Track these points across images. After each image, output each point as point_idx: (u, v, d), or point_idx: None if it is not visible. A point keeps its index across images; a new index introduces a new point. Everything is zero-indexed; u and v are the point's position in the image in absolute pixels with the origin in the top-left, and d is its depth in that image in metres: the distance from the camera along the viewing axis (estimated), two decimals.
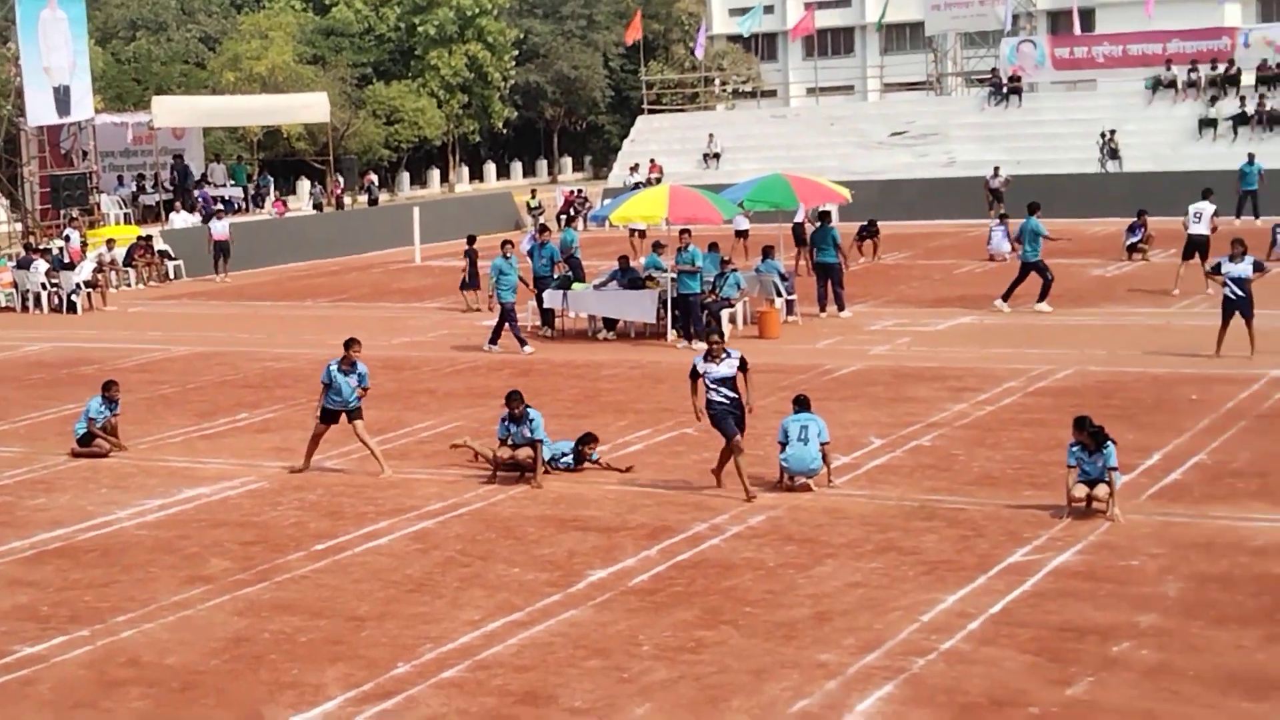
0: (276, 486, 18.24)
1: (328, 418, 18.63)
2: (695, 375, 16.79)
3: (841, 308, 29.95)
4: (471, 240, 34.71)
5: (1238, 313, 23.23)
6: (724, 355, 16.76)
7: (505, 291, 27.20)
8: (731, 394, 16.68)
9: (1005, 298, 29.63)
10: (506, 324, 27.37)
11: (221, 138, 66.89)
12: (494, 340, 27.59)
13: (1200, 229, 31.17)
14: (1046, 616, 12.50)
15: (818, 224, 30.49)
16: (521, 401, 17.63)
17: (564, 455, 18.22)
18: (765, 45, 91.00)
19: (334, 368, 18.53)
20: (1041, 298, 29.37)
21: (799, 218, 37.49)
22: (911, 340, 26.87)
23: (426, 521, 16.35)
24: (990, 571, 13.75)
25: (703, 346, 26.70)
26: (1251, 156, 44.04)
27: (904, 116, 57.66)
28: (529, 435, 17.59)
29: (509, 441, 17.76)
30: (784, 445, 16.74)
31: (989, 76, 58.17)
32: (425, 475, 18.44)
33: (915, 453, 18.48)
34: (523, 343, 27.35)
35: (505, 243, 28.20)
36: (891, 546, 14.67)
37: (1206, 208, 31.48)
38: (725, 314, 28.06)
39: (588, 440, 18.28)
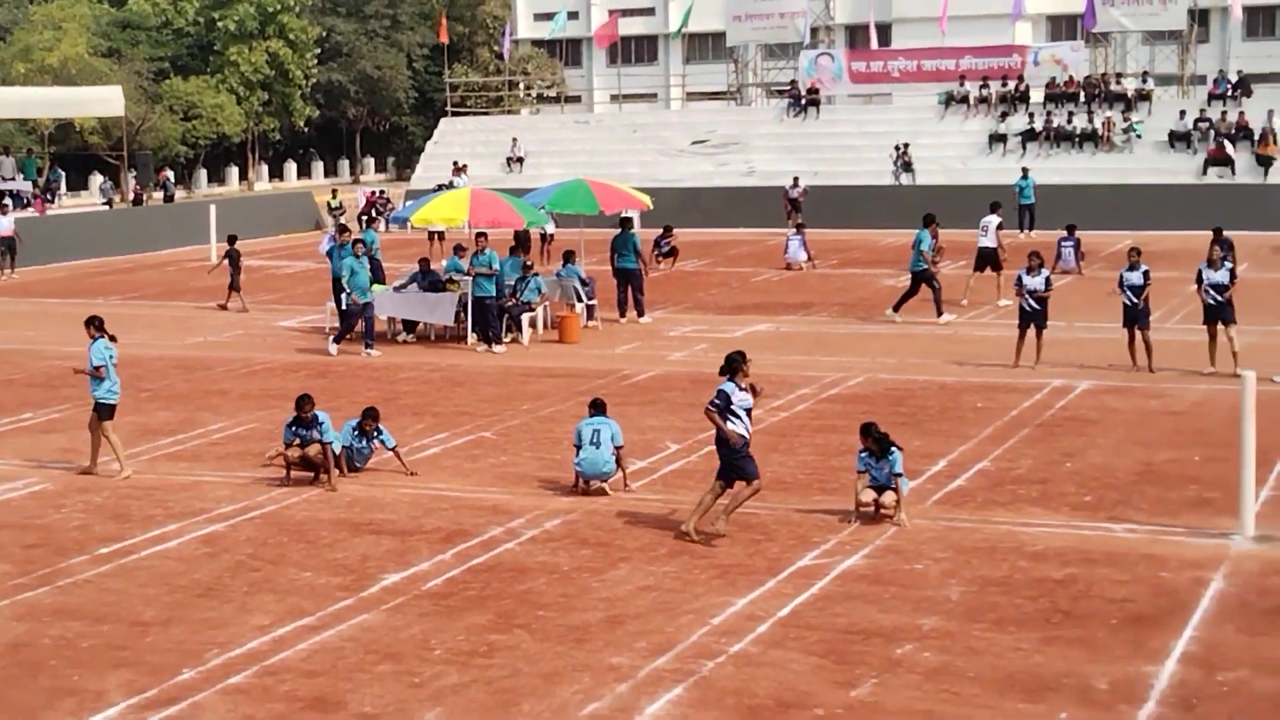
0: (61, 488, 17.80)
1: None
2: (727, 402, 15.05)
3: (641, 313, 30.18)
4: (232, 240, 34.41)
5: (1032, 324, 23.89)
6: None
7: (358, 291, 26.88)
8: (749, 427, 15.30)
9: (896, 308, 29.55)
10: (353, 320, 27.12)
11: (11, 130, 65.05)
12: (369, 344, 27.09)
13: (988, 241, 32.07)
14: (833, 619, 12.74)
15: (619, 229, 30.67)
16: (311, 405, 17.45)
17: (354, 433, 17.99)
18: (570, 51, 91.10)
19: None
20: (939, 311, 29.11)
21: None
22: (709, 346, 27.14)
23: (216, 525, 16.09)
24: (780, 575, 13.97)
25: (502, 349, 26.84)
26: (1025, 171, 45.40)
27: (705, 125, 58.23)
28: (318, 438, 17.43)
29: (296, 444, 17.57)
30: (578, 449, 16.82)
31: (788, 88, 59.02)
32: (216, 478, 18.14)
33: (710, 458, 18.52)
34: (336, 342, 27.14)
35: (357, 241, 27.75)
36: (684, 550, 14.82)
37: (993, 220, 32.42)
38: (526, 318, 28.08)
39: (367, 415, 18.04)
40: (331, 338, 27.37)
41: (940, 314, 28.97)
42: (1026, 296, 23.90)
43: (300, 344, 28.56)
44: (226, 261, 33.78)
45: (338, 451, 17.67)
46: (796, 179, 48.11)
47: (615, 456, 16.79)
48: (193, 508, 16.74)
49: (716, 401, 15.08)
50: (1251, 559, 14.14)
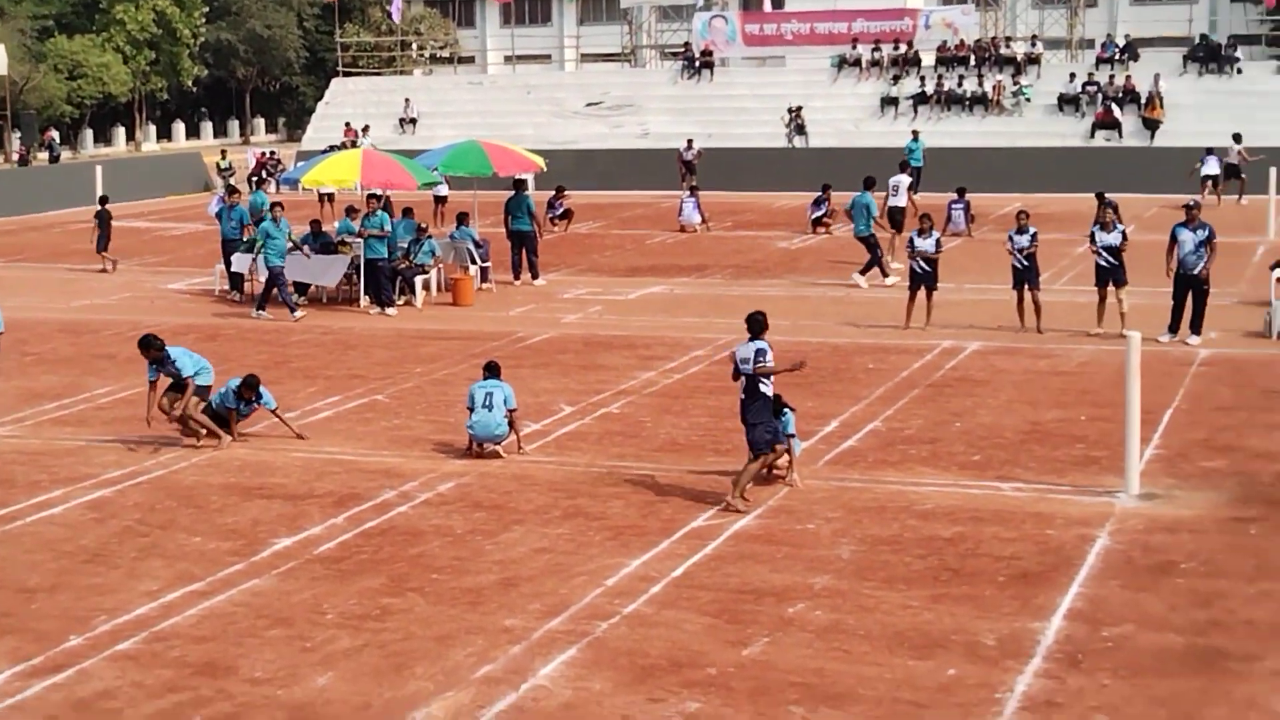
0: None
1: None
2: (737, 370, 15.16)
3: (535, 275, 30.09)
4: (104, 201, 34.01)
5: (923, 286, 24.12)
6: None
7: (273, 256, 26.42)
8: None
9: (884, 273, 29.29)
10: (275, 289, 26.60)
11: None
12: (261, 306, 26.69)
13: (898, 201, 32.65)
14: (726, 579, 12.81)
15: (512, 191, 30.55)
16: (153, 346, 17.22)
17: (234, 396, 17.79)
18: (463, 11, 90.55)
19: None
20: (863, 271, 29.09)
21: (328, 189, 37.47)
22: (603, 309, 27.16)
23: (104, 490, 15.88)
24: (673, 536, 14.01)
25: (394, 312, 26.65)
26: (915, 134, 45.76)
27: (599, 87, 58.10)
28: (177, 372, 17.27)
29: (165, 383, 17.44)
30: (471, 411, 16.76)
31: (682, 50, 58.99)
32: (103, 442, 17.89)
33: (604, 420, 18.70)
34: (292, 308, 26.49)
35: (275, 205, 27.07)
36: (579, 512, 14.83)
37: (904, 180, 33.13)
38: (419, 280, 27.91)
39: (246, 384, 17.64)
40: (290, 308, 26.50)
41: (862, 275, 29.02)
42: (917, 258, 24.12)
43: (189, 306, 28.21)
44: (95, 222, 33.27)
45: (215, 404, 17.55)
46: (690, 141, 48.14)
47: (508, 419, 16.75)
48: (79, 473, 16.51)
49: (765, 353, 14.90)
50: (1136, 516, 14.38)
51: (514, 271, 30.21)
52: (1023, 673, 10.78)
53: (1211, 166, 41.61)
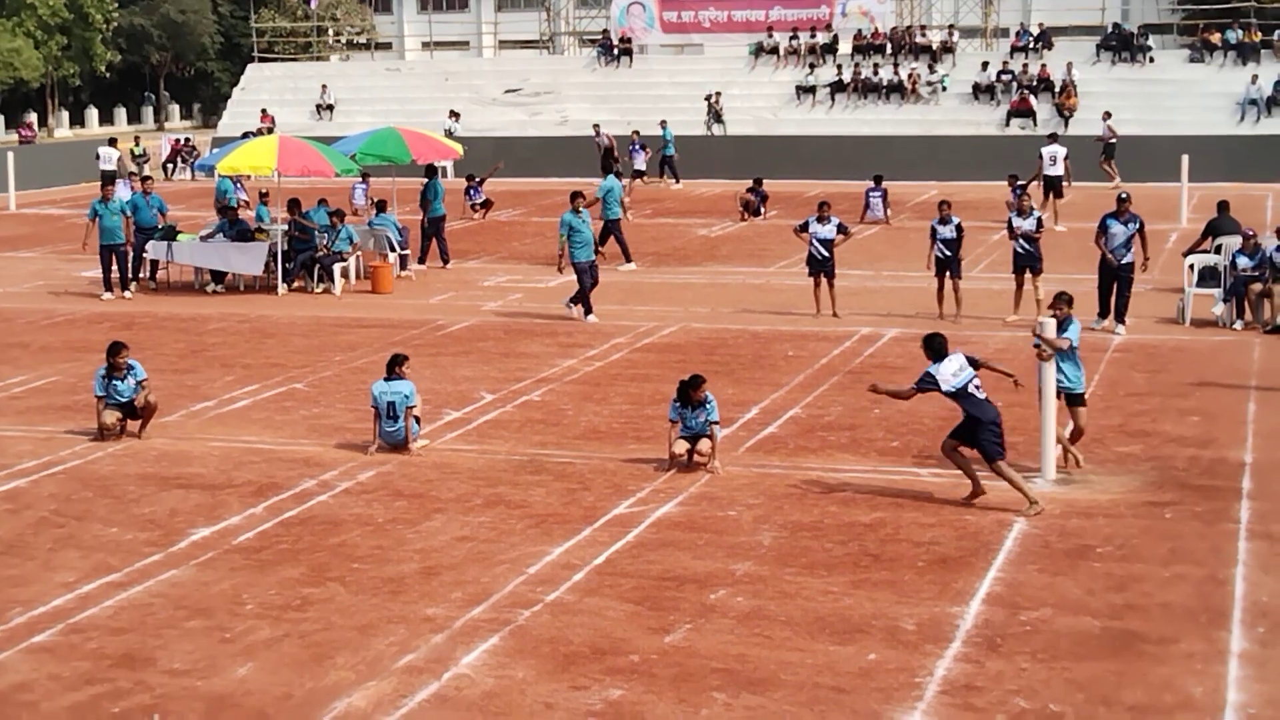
0: None
1: None
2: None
3: (446, 260, 30.18)
4: None
5: (821, 272, 24.21)
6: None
7: (580, 249, 24.13)
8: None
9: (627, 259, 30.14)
10: (590, 280, 24.39)
11: None
12: (577, 300, 24.64)
13: (1056, 170, 35.94)
14: (648, 566, 12.83)
15: (426, 178, 30.50)
16: (124, 353, 16.99)
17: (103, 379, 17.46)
18: None
19: None
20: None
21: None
22: (523, 296, 27.10)
23: (18, 480, 15.67)
24: (595, 523, 14.02)
25: (121, 295, 26.36)
26: (664, 124, 46.77)
27: (518, 74, 57.91)
28: (134, 383, 17.00)
29: (109, 398, 17.07)
30: (378, 413, 16.48)
31: (600, 37, 58.91)
32: (18, 432, 17.65)
33: (525, 408, 18.66)
34: (588, 310, 24.47)
35: (576, 194, 25.03)
36: (500, 500, 14.80)
37: (1060, 151, 36.36)
38: (338, 268, 27.73)
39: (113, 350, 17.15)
40: (567, 300, 24.96)
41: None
42: (816, 245, 24.15)
43: (103, 294, 27.86)
44: None
45: (153, 400, 17.26)
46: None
47: (410, 420, 16.42)
48: None
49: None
50: (1052, 501, 14.52)
51: (442, 257, 30.26)
52: (942, 657, 10.88)
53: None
